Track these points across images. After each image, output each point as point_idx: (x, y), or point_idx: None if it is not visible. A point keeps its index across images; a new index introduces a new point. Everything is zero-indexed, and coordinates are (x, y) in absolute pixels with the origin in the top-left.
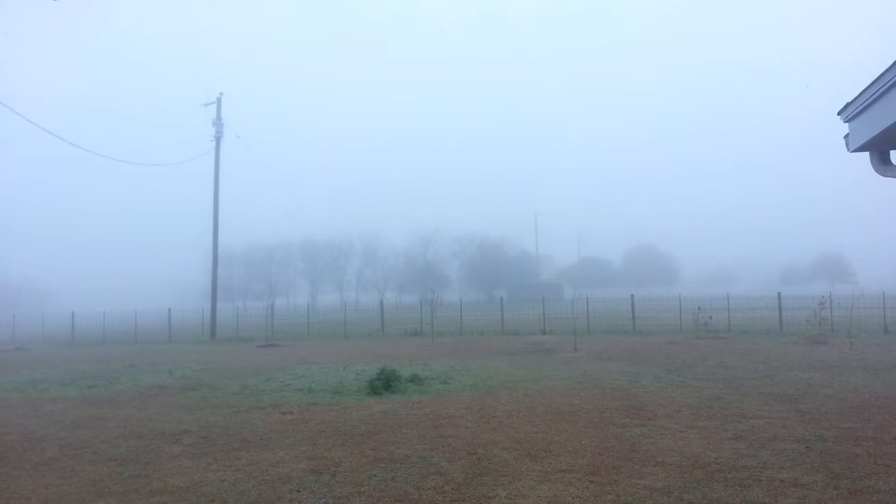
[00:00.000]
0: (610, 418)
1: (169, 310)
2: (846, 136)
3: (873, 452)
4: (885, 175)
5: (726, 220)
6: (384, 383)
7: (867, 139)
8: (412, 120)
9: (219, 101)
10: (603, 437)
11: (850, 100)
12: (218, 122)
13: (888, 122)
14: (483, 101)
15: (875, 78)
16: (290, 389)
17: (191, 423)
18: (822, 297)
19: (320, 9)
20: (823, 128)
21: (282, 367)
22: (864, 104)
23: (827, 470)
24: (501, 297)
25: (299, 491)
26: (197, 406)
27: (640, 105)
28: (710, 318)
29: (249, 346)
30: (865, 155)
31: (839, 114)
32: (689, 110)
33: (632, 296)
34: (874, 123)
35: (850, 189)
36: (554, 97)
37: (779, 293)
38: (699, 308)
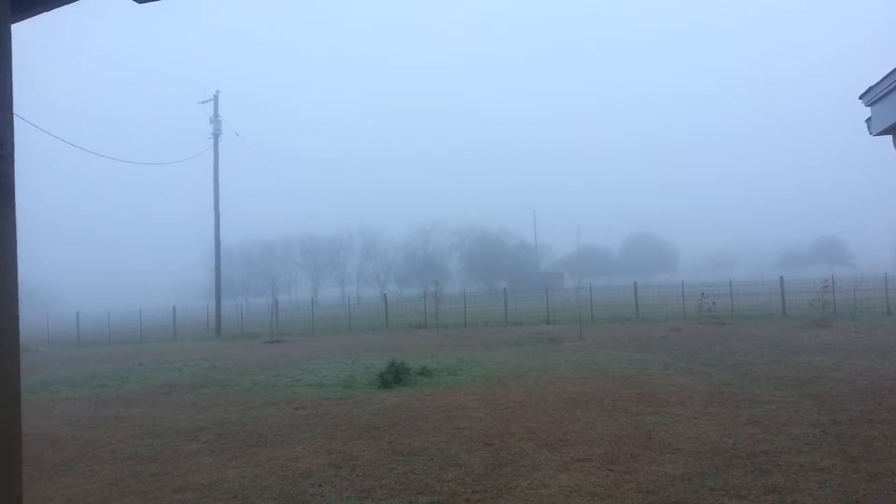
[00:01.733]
0: (623, 406)
1: (174, 308)
2: (868, 120)
3: (889, 435)
4: None
5: (724, 205)
6: (394, 376)
7: (891, 122)
8: (408, 112)
9: (215, 98)
10: (618, 426)
11: (872, 83)
12: (215, 119)
13: None
14: (481, 93)
15: None
16: (300, 384)
17: (205, 420)
18: (825, 280)
19: (317, 3)
20: (820, 107)
21: (290, 363)
22: (889, 88)
23: (845, 453)
24: (504, 288)
25: (321, 485)
26: (210, 403)
27: (635, 80)
28: (714, 303)
29: (255, 342)
30: (863, 134)
31: (861, 97)
32: (687, 87)
33: (634, 283)
34: None
35: (846, 171)
36: (550, 84)
37: (781, 277)
38: (702, 294)
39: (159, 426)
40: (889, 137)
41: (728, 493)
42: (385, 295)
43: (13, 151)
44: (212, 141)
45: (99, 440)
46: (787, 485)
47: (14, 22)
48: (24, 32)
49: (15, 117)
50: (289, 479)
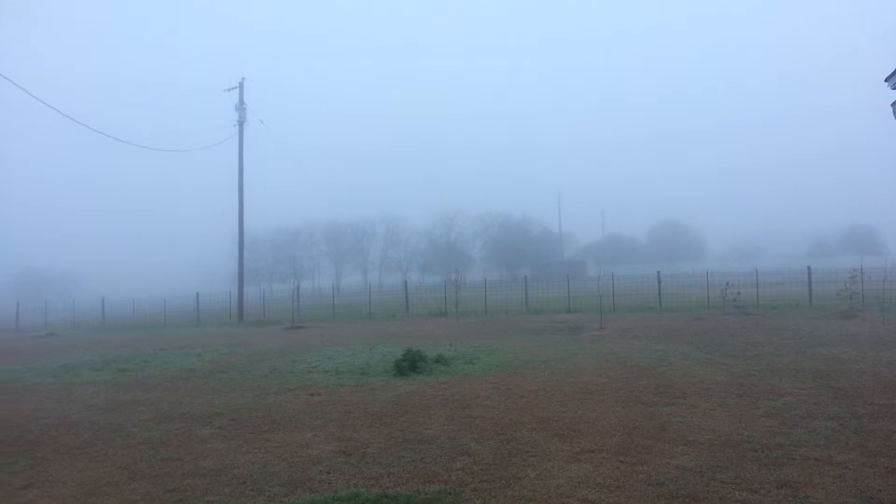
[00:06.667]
0: (638, 397)
1: (197, 294)
2: (894, 104)
3: None
4: None
5: (753, 191)
6: (410, 364)
7: None
8: (433, 100)
9: (241, 85)
10: (632, 417)
11: None
12: (241, 106)
13: None
14: (507, 81)
15: None
16: (317, 371)
17: (221, 405)
18: (853, 269)
19: None
20: (847, 92)
21: (308, 349)
22: None
23: (863, 448)
24: (525, 276)
25: (329, 472)
26: (226, 389)
27: (662, 65)
28: (738, 293)
29: (276, 328)
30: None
31: (887, 80)
32: (714, 70)
33: (658, 272)
34: None
35: (880, 157)
36: (577, 70)
37: (808, 267)
38: (727, 284)
39: (175, 411)
40: None
41: (739, 486)
42: (406, 282)
43: None
44: (237, 128)
45: (115, 424)
46: (800, 479)
47: None
48: (46, 17)
49: (39, 103)
50: (298, 465)
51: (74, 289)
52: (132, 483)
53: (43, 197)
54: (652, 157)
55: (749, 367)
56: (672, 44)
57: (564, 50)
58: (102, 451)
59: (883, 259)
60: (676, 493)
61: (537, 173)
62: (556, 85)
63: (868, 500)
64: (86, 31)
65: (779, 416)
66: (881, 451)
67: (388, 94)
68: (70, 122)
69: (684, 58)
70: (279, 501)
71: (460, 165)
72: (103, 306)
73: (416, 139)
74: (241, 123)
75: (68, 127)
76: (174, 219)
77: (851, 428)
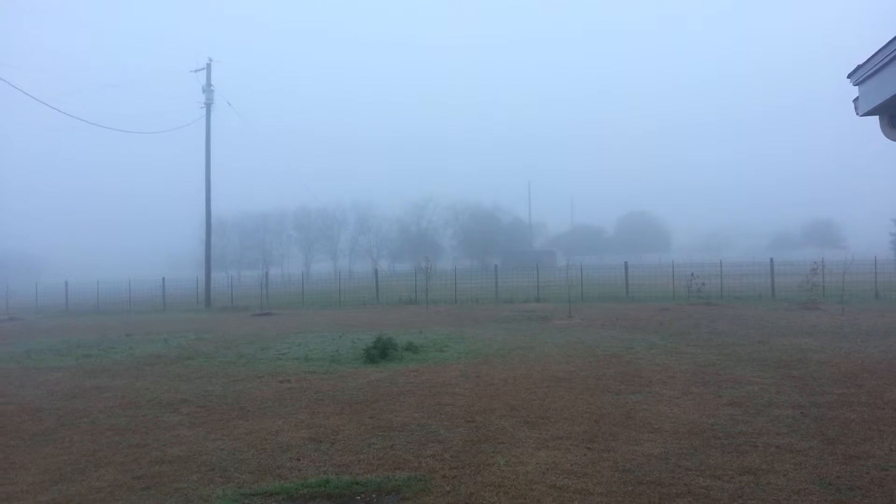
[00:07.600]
0: (605, 385)
1: (163, 279)
2: (855, 100)
3: (868, 418)
4: (894, 139)
5: (718, 185)
6: (380, 351)
7: (878, 103)
8: (404, 89)
9: (208, 66)
10: (599, 404)
11: (861, 62)
12: (208, 88)
13: None
14: (479, 73)
15: (889, 40)
16: (286, 358)
17: (188, 392)
18: (814, 262)
19: None
20: (815, 89)
21: (278, 336)
22: (877, 67)
23: (822, 436)
24: (496, 265)
25: (299, 459)
26: (194, 375)
27: (633, 62)
28: (703, 284)
29: (244, 314)
30: (864, 119)
31: (849, 76)
32: (684, 69)
33: (625, 263)
34: (886, 87)
35: (843, 154)
36: (547, 65)
37: (771, 259)
38: (692, 275)
39: (141, 397)
40: (876, 118)
41: (703, 473)
42: (376, 270)
43: None
44: (204, 111)
45: (79, 410)
46: (762, 466)
47: None
48: None
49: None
50: (267, 452)
51: (39, 272)
52: (98, 470)
53: (7, 179)
54: (622, 150)
55: (713, 356)
56: (643, 42)
57: (538, 47)
58: (67, 437)
59: (843, 252)
60: (642, 479)
61: (510, 164)
62: (530, 79)
63: (827, 486)
64: (54, 10)
65: (742, 404)
66: (839, 439)
67: (369, 86)
68: (36, 103)
69: (655, 56)
70: (248, 488)
71: (433, 155)
72: (67, 290)
73: (390, 129)
74: (208, 105)
75: (35, 109)
76: (141, 202)
77: (811, 416)
